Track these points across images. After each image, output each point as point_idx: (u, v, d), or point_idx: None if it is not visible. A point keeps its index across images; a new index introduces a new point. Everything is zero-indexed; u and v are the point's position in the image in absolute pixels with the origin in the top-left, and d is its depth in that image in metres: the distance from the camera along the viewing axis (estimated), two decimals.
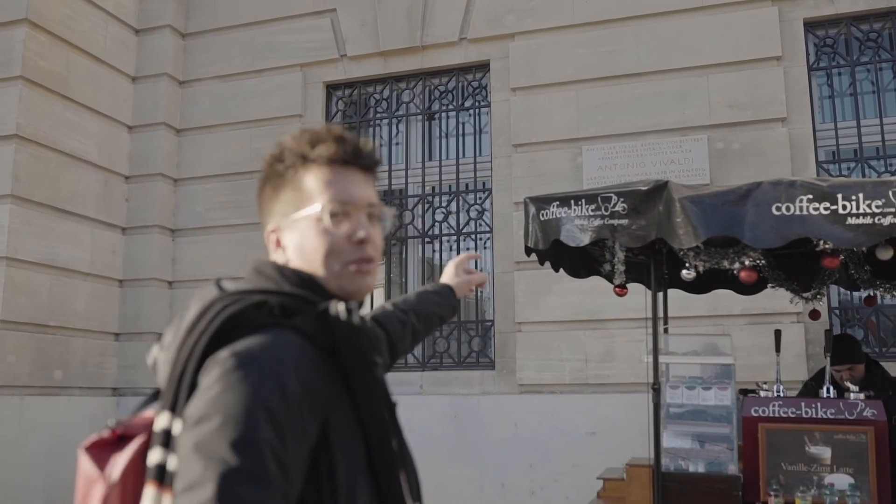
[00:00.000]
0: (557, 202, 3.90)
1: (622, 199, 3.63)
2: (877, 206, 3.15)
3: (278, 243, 1.40)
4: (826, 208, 3.23)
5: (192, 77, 7.71)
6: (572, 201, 3.82)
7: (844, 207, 3.20)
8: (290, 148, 1.39)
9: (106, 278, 7.10)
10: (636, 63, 6.52)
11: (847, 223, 3.19)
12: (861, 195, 3.19)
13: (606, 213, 3.67)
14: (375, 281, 1.44)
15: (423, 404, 6.61)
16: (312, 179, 1.37)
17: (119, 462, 1.26)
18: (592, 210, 3.72)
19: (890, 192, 3.15)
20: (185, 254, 7.47)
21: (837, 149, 6.22)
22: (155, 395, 1.36)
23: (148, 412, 1.33)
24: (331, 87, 7.52)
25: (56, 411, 6.42)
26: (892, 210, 3.14)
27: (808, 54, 6.27)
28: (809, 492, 3.62)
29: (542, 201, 4.02)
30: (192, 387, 1.19)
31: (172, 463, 1.17)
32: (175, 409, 1.20)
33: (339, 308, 1.27)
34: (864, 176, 6.08)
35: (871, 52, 6.24)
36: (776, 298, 5.54)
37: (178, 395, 1.20)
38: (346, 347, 1.26)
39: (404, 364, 6.93)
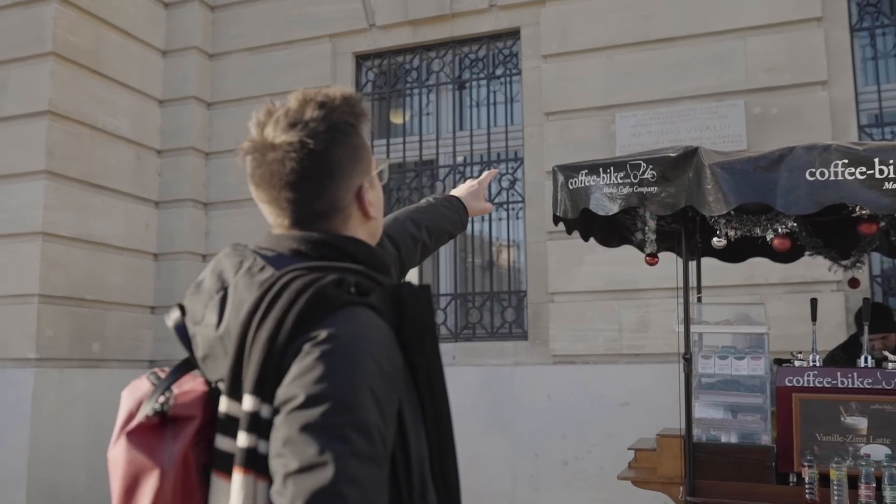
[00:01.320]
0: (586, 170, 3.83)
1: (651, 167, 3.54)
2: None
3: (368, 202, 1.40)
4: (862, 173, 3.12)
5: (222, 50, 7.70)
6: (601, 169, 3.74)
7: (881, 172, 3.08)
8: (341, 107, 1.37)
9: (140, 252, 7.17)
10: (670, 27, 6.36)
11: (884, 188, 3.08)
12: None
13: (635, 181, 3.59)
14: None
15: (455, 375, 6.56)
16: (365, 137, 1.42)
17: (175, 449, 1.23)
18: (621, 178, 3.64)
19: None
20: (217, 227, 7.51)
21: (881, 112, 6.02)
22: (182, 367, 1.34)
23: (186, 390, 1.29)
24: (360, 58, 7.46)
25: (95, 384, 6.52)
26: None
27: (850, 14, 6.06)
28: (844, 463, 3.54)
29: (570, 169, 3.95)
30: (279, 369, 1.17)
31: (263, 447, 1.15)
32: (262, 392, 1.16)
33: (412, 287, 1.27)
34: None
35: None
36: (815, 267, 5.42)
37: (265, 378, 1.17)
38: (415, 324, 1.26)
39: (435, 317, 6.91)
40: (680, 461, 3.79)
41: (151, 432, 1.25)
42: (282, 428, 1.13)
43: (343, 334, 1.16)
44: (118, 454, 1.26)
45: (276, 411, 1.15)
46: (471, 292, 6.96)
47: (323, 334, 1.16)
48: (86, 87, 6.68)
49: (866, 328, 4.31)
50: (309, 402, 1.11)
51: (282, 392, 1.15)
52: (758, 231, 3.55)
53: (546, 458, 6.25)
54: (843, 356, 4.44)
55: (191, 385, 1.30)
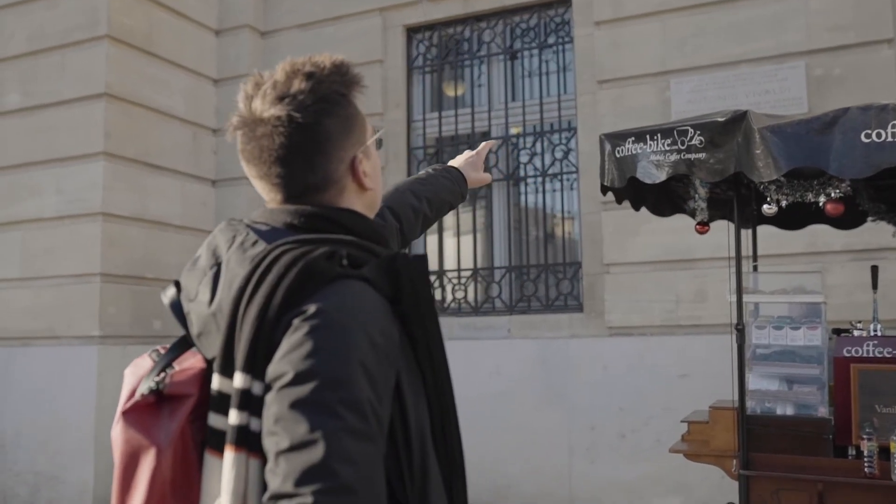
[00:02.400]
0: (633, 138, 3.73)
1: (699, 132, 3.43)
2: None
3: (363, 173, 1.37)
4: None
5: (273, 27, 7.73)
6: (648, 136, 3.64)
7: None
8: (331, 77, 1.34)
9: (197, 230, 7.29)
10: None
11: None
12: None
13: (683, 148, 3.48)
14: None
15: (510, 348, 6.58)
16: (358, 106, 1.38)
17: (171, 427, 1.23)
18: (668, 144, 3.54)
19: None
20: None
21: None
22: (179, 346, 1.34)
23: (185, 367, 1.28)
24: (411, 31, 7.41)
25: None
26: None
27: None
28: None
29: (617, 137, 3.86)
30: (270, 345, 1.15)
31: (255, 424, 1.14)
32: (253, 369, 1.15)
33: (410, 257, 1.24)
34: None
35: None
36: (880, 233, 5.21)
37: (255, 354, 1.15)
38: (412, 295, 1.23)
39: (492, 308, 6.90)
40: (733, 434, 3.70)
41: (147, 411, 1.25)
42: (273, 405, 1.11)
43: (333, 308, 1.14)
44: (117, 433, 1.26)
45: (267, 388, 1.13)
46: (525, 265, 6.91)
47: (312, 308, 1.14)
48: (140, 68, 6.79)
49: None
50: (299, 379, 1.09)
51: (272, 369, 1.13)
52: (810, 196, 3.42)
53: (602, 431, 6.20)
54: None
55: (190, 362, 1.29)
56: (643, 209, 4.59)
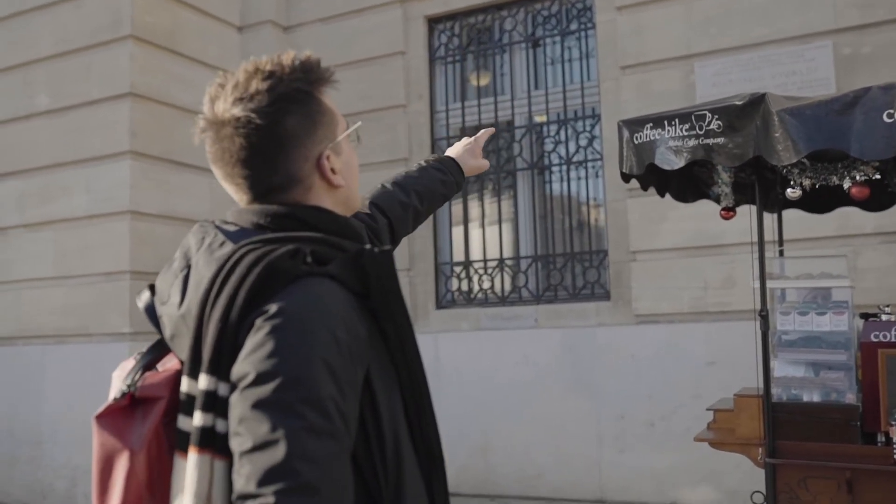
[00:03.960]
0: (651, 124, 3.68)
1: (717, 116, 3.37)
2: None
3: (331, 170, 1.36)
4: None
5: (295, 22, 7.74)
6: (665, 122, 3.59)
7: None
8: (293, 74, 1.33)
9: None
10: None
11: None
12: None
13: (701, 133, 3.43)
14: None
15: (538, 338, 6.55)
16: (328, 102, 1.37)
17: (143, 430, 1.24)
18: (686, 130, 3.49)
19: None
20: None
21: None
22: (154, 349, 1.35)
23: (162, 370, 1.29)
24: (432, 21, 7.38)
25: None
26: None
27: None
28: None
29: (635, 124, 3.81)
30: (235, 346, 1.15)
31: (221, 426, 1.14)
32: (218, 370, 1.15)
33: (375, 251, 1.23)
34: None
35: None
36: None
37: (219, 355, 1.15)
38: (380, 289, 1.23)
39: (518, 298, 6.87)
40: (759, 421, 3.65)
41: (121, 414, 1.26)
42: (237, 406, 1.11)
43: (294, 307, 1.14)
44: (94, 439, 1.27)
45: (232, 389, 1.13)
46: (551, 254, 6.87)
47: (274, 308, 1.13)
48: (165, 67, 6.84)
49: None
50: (260, 379, 1.09)
51: (236, 369, 1.13)
52: (835, 180, 3.35)
53: (631, 420, 6.15)
54: None
55: (170, 364, 1.30)
56: (667, 196, 4.53)
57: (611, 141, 6.46)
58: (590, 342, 6.37)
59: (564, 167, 6.87)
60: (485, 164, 2.21)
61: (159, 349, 1.34)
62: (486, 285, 7.01)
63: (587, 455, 6.25)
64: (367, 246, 1.27)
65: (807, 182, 3.42)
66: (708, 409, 4.09)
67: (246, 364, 1.12)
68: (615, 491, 6.16)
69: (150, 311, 1.35)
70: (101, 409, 1.28)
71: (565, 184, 6.91)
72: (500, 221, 7.07)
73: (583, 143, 6.79)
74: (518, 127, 7.06)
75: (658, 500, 6.02)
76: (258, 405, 1.08)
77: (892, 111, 2.96)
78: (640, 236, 6.31)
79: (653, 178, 4.25)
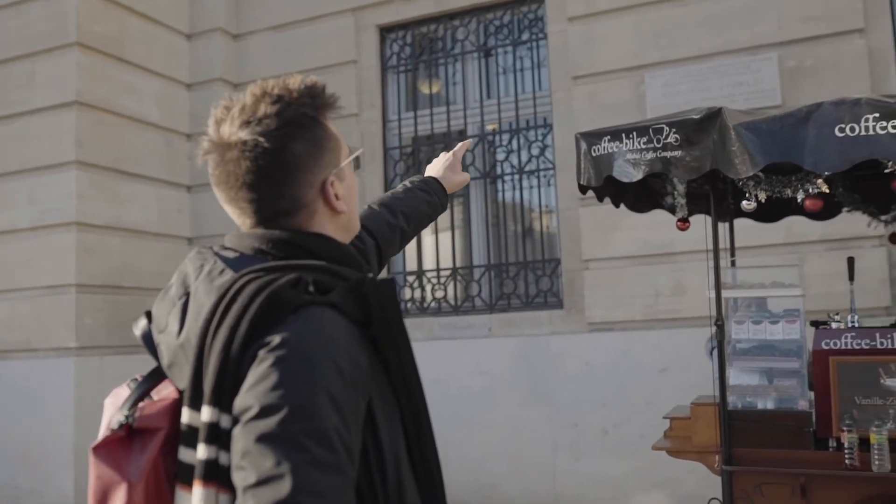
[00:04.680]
0: (608, 136, 3.73)
1: (674, 130, 3.43)
2: None
3: (335, 196, 1.35)
4: (894, 126, 2.98)
5: (246, 30, 7.66)
6: (623, 135, 3.64)
7: None
8: (299, 99, 1.32)
9: (174, 237, 7.23)
10: None
11: None
12: None
13: (659, 146, 3.48)
14: None
15: (492, 347, 6.57)
16: (332, 127, 1.37)
17: (142, 462, 1.21)
18: (644, 143, 3.54)
19: None
20: None
21: None
22: (151, 377, 1.32)
23: (158, 399, 1.27)
24: (384, 30, 7.37)
25: (136, 370, 6.52)
26: None
27: None
28: (885, 425, 3.43)
29: (592, 136, 3.85)
30: (237, 377, 1.13)
31: (224, 458, 1.12)
32: (220, 402, 1.13)
33: (376, 281, 1.23)
34: None
35: None
36: (855, 222, 5.24)
37: (222, 387, 1.13)
38: (382, 318, 1.22)
39: (472, 307, 6.89)
40: (715, 429, 3.71)
41: (119, 445, 1.23)
42: (240, 439, 1.09)
43: (298, 338, 1.12)
44: (90, 471, 1.24)
45: (235, 421, 1.12)
46: (504, 262, 6.90)
47: (277, 339, 1.12)
48: (112, 75, 6.71)
49: None
50: (264, 412, 1.08)
51: (238, 401, 1.12)
52: (788, 192, 3.43)
53: (586, 427, 6.21)
54: None
55: (165, 393, 1.27)
56: (621, 205, 4.59)
57: (563, 150, 6.54)
58: (543, 350, 6.41)
59: (517, 176, 6.91)
60: (466, 177, 2.22)
61: (156, 377, 1.31)
62: (440, 294, 7.01)
63: (542, 463, 6.28)
64: (369, 275, 1.26)
65: (761, 194, 3.49)
66: (665, 418, 4.14)
67: (249, 396, 1.10)
68: (570, 498, 6.21)
69: (147, 338, 1.32)
70: (98, 440, 1.25)
71: (518, 193, 6.96)
72: (452, 230, 7.08)
73: (535, 152, 6.84)
74: (470, 136, 7.08)
75: None
76: (262, 438, 1.07)
77: (843, 125, 3.05)
78: (592, 245, 6.38)
79: (608, 189, 4.30)
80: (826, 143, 3.06)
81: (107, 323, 6.47)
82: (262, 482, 1.05)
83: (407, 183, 2.07)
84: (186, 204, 7.39)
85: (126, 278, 6.67)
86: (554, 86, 6.66)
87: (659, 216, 4.98)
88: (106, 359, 6.38)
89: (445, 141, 7.13)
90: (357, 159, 1.44)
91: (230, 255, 1.31)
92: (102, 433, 1.30)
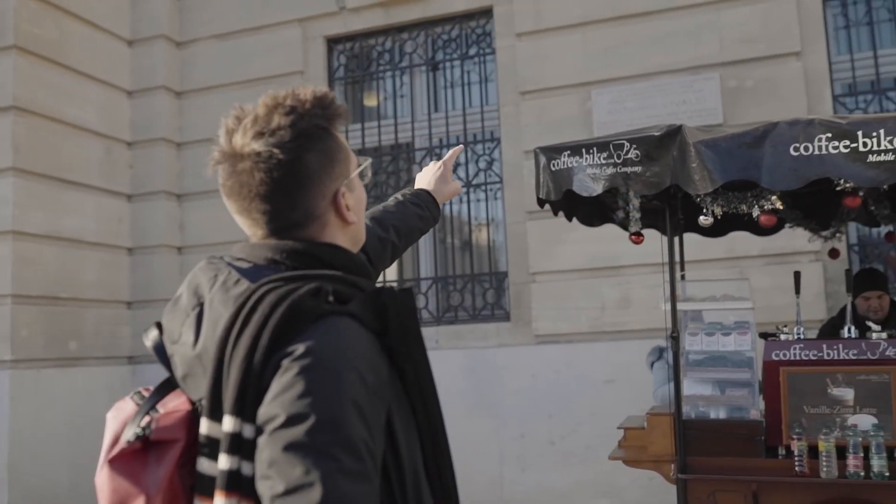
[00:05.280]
0: (568, 151, 3.79)
1: (635, 146, 3.52)
2: None
3: (346, 207, 1.35)
4: (846, 146, 3.11)
5: (190, 38, 7.55)
6: (584, 150, 3.71)
7: (865, 145, 3.08)
8: (311, 111, 1.32)
9: (114, 247, 7.05)
10: (645, 1, 6.32)
11: (868, 161, 3.08)
12: (882, 131, 3.07)
13: (619, 161, 3.56)
14: None
15: (439, 359, 6.47)
16: (341, 138, 1.37)
17: (159, 474, 1.19)
18: (604, 158, 3.61)
19: None
20: (192, 219, 7.39)
21: (854, 81, 6.05)
22: (164, 386, 1.30)
23: (170, 410, 1.25)
24: (331, 42, 7.36)
25: (73, 383, 6.43)
26: None
27: None
28: (832, 433, 3.56)
29: (552, 151, 3.91)
30: (260, 387, 1.12)
31: (247, 468, 1.11)
32: (243, 412, 1.12)
33: (394, 291, 1.23)
34: (881, 108, 5.92)
35: None
36: (794, 238, 5.45)
37: (244, 397, 1.12)
38: (399, 329, 1.23)
39: (419, 319, 6.88)
40: (670, 439, 3.79)
41: (135, 458, 1.22)
42: (266, 449, 1.09)
43: (322, 347, 1.12)
44: (103, 481, 1.22)
45: (258, 431, 1.11)
46: (451, 275, 6.93)
47: (301, 349, 1.12)
48: (51, 80, 6.53)
49: (849, 299, 4.35)
50: (291, 421, 1.08)
51: (263, 411, 1.11)
52: (744, 208, 3.54)
53: (532, 439, 6.26)
54: (840, 323, 4.49)
55: (174, 404, 1.26)
56: (574, 220, 4.66)
57: (510, 164, 6.62)
58: (490, 363, 6.45)
59: (464, 190, 6.95)
60: (457, 187, 2.23)
61: (165, 389, 1.29)
62: None
63: (489, 474, 6.32)
64: (387, 284, 1.26)
65: (718, 209, 3.60)
66: (619, 428, 4.22)
67: (275, 406, 1.10)
68: None
69: (160, 349, 1.30)
70: (113, 452, 1.22)
71: (465, 206, 7.00)
72: None
73: (482, 165, 6.91)
74: (418, 149, 7.11)
75: None
76: (290, 447, 1.07)
77: (797, 145, 3.17)
78: (539, 258, 6.46)
79: (563, 204, 4.37)
80: (781, 161, 3.18)
81: (43, 335, 6.27)
82: (291, 491, 1.05)
83: (398, 196, 2.07)
84: (126, 213, 7.22)
85: (63, 289, 6.48)
86: (502, 100, 6.74)
87: (605, 230, 5.08)
88: (42, 372, 6.18)
89: (393, 153, 7.15)
90: (363, 171, 1.44)
91: (243, 265, 1.30)
92: (108, 445, 1.27)
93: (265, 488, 1.08)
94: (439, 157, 6.87)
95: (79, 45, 6.82)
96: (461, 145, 2.46)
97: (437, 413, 1.29)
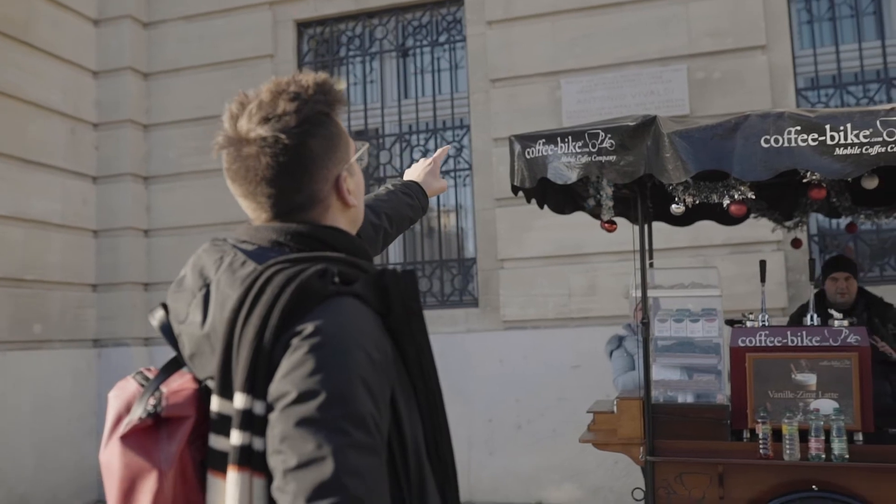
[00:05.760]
0: (543, 140, 3.85)
1: (609, 136, 3.58)
2: (864, 136, 3.14)
3: (347, 190, 1.39)
4: (814, 139, 3.21)
5: (157, 18, 7.47)
6: (559, 139, 3.77)
7: (832, 138, 3.18)
8: (322, 100, 1.35)
9: (79, 229, 6.98)
10: None
11: (835, 154, 3.18)
12: (849, 125, 3.17)
13: (594, 150, 3.62)
14: None
15: None
16: (341, 123, 1.40)
17: (171, 449, 1.23)
18: (579, 147, 3.68)
19: (877, 122, 3.13)
20: (159, 201, 7.34)
21: (816, 75, 6.19)
22: (170, 366, 1.34)
23: (175, 388, 1.28)
24: (301, 25, 7.33)
25: (39, 365, 6.36)
26: (880, 139, 3.13)
27: None
28: (795, 417, 3.68)
29: (527, 139, 3.96)
30: (270, 365, 1.16)
31: (258, 444, 1.15)
32: (254, 389, 1.16)
33: (397, 273, 1.27)
34: (842, 102, 6.08)
35: None
36: (757, 228, 5.58)
37: (255, 374, 1.16)
38: (401, 310, 1.27)
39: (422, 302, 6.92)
40: (639, 422, 3.89)
41: (146, 434, 1.25)
42: (277, 425, 1.13)
43: (330, 326, 1.16)
44: (112, 458, 1.25)
45: (269, 408, 1.15)
46: (420, 261, 6.97)
47: (310, 328, 1.16)
48: (16, 59, 6.42)
49: (812, 291, 4.48)
50: (302, 398, 1.12)
51: (274, 388, 1.15)
52: (714, 198, 3.63)
53: (500, 423, 6.35)
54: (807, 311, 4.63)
55: (179, 383, 1.29)
56: (533, 206, 4.72)
57: (479, 151, 6.67)
58: (459, 348, 6.52)
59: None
60: (444, 184, 2.30)
61: (171, 369, 1.32)
62: None
63: (457, 458, 6.31)
64: (390, 266, 1.31)
65: (689, 199, 3.69)
66: (588, 412, 4.30)
67: (285, 383, 1.14)
68: (484, 492, 6.34)
69: (166, 329, 1.33)
70: (124, 429, 1.25)
71: None
72: None
73: (451, 152, 6.94)
74: (388, 135, 7.13)
75: (525, 499, 6.25)
76: (302, 423, 1.11)
77: (768, 137, 3.26)
78: (507, 245, 6.53)
79: (536, 192, 4.43)
80: (753, 153, 3.27)
81: (8, 317, 6.19)
82: (303, 465, 1.09)
83: (389, 186, 2.12)
84: (92, 195, 7.15)
85: (28, 271, 6.41)
86: (472, 88, 6.78)
87: (573, 218, 5.14)
88: (7, 354, 6.11)
89: (363, 138, 7.13)
90: (361, 156, 1.48)
91: (248, 247, 1.33)
92: (111, 423, 1.30)
93: (278, 462, 1.12)
94: (408, 144, 6.93)
95: (46, 25, 6.72)
96: (448, 145, 2.52)
97: (438, 392, 1.33)
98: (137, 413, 1.26)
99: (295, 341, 1.15)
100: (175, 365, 1.34)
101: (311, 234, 1.33)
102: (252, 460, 1.15)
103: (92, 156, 7.15)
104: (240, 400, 1.16)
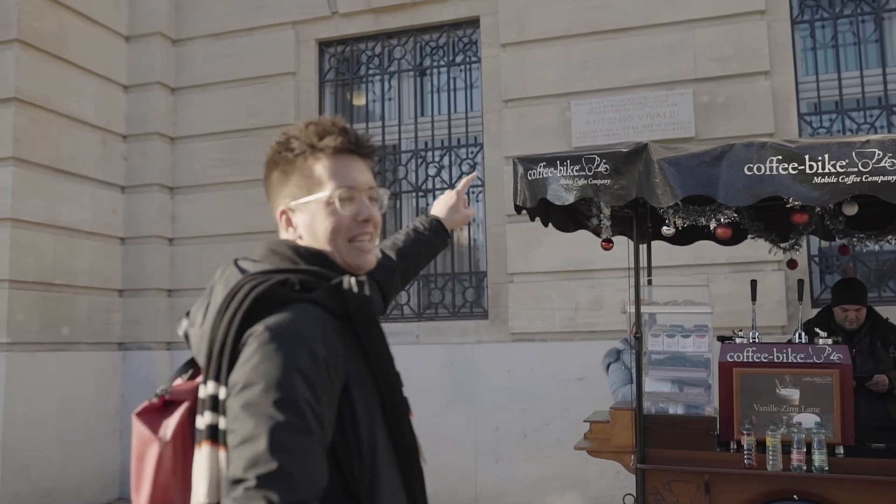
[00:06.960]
0: (544, 163, 4.08)
1: (604, 161, 3.81)
2: (840, 167, 3.35)
3: (289, 222, 1.62)
4: (794, 168, 3.43)
5: (186, 35, 7.80)
6: (558, 162, 4.00)
7: (811, 167, 3.39)
8: (298, 138, 1.59)
9: (107, 237, 7.29)
10: (624, 18, 6.63)
11: (813, 182, 3.40)
12: (826, 156, 3.39)
13: (590, 174, 3.86)
14: (376, 255, 1.66)
15: (419, 353, 6.86)
16: (321, 167, 1.58)
17: (170, 424, 1.50)
18: (577, 170, 3.91)
19: (853, 153, 3.34)
20: (184, 211, 7.65)
21: (819, 101, 6.38)
22: (188, 364, 1.61)
23: (186, 379, 1.58)
24: (323, 45, 7.62)
25: (65, 367, 6.67)
26: (855, 170, 3.34)
27: (791, 7, 6.39)
28: (779, 430, 3.88)
29: (529, 161, 4.20)
30: (233, 358, 1.41)
31: (223, 423, 1.39)
32: (220, 378, 1.41)
33: (351, 282, 1.48)
34: (844, 127, 6.26)
35: (853, 4, 6.37)
36: (758, 247, 5.75)
37: (221, 366, 1.41)
38: (359, 314, 1.48)
39: (400, 315, 7.17)
40: (631, 431, 4.10)
41: (155, 412, 1.54)
42: (231, 408, 1.38)
43: (277, 326, 1.40)
44: (133, 430, 1.54)
45: (229, 393, 1.41)
46: (433, 273, 7.21)
47: (260, 328, 1.40)
48: (50, 73, 6.75)
49: (800, 307, 4.66)
50: (247, 385, 1.36)
51: (231, 377, 1.40)
52: (703, 220, 3.85)
53: (506, 432, 6.56)
54: (819, 325, 4.75)
55: (189, 375, 1.60)
56: (550, 225, 4.95)
57: (492, 169, 6.91)
58: (468, 358, 6.75)
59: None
60: (471, 212, 2.41)
61: (189, 366, 1.62)
62: None
63: (464, 465, 6.61)
64: (346, 277, 1.50)
65: (679, 221, 3.91)
66: (585, 421, 4.52)
67: (237, 373, 1.39)
68: (489, 499, 6.55)
69: (188, 335, 1.61)
70: (139, 407, 1.54)
71: None
72: (383, 238, 7.34)
73: (465, 169, 7.19)
74: (404, 151, 7.39)
75: None
76: (245, 406, 1.35)
77: (751, 165, 3.48)
78: (517, 260, 6.75)
79: (539, 210, 4.66)
80: (736, 179, 3.49)
81: (38, 319, 6.50)
82: (243, 441, 1.33)
83: (410, 225, 2.29)
84: (120, 204, 7.46)
85: (58, 276, 6.71)
86: (485, 107, 7.03)
87: (580, 235, 5.36)
88: (36, 355, 6.41)
89: (381, 154, 7.41)
90: (338, 201, 1.61)
91: (246, 263, 1.59)
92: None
93: (230, 440, 1.37)
94: (423, 160, 7.18)
95: (78, 40, 7.05)
96: (475, 173, 2.70)
97: (397, 384, 1.54)
98: (151, 396, 1.55)
99: (249, 339, 1.40)
100: (192, 363, 1.61)
101: (274, 250, 1.58)
102: (219, 436, 1.40)
103: (121, 166, 7.47)
104: (211, 386, 1.43)
